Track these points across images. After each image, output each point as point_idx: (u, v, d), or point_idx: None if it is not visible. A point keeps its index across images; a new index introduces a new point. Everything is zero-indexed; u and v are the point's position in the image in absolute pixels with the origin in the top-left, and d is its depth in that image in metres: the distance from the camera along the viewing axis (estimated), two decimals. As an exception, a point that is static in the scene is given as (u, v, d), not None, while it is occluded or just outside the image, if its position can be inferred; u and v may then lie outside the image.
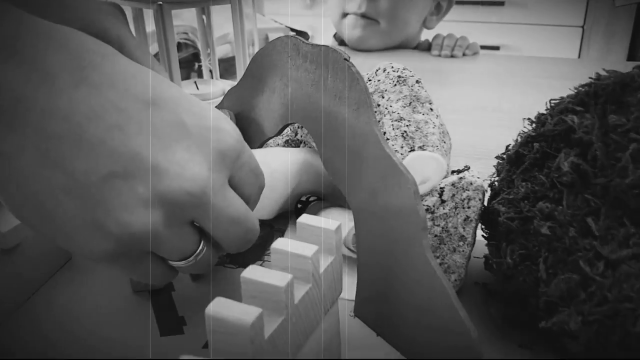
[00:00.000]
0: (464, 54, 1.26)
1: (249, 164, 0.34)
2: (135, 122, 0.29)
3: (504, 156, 0.41)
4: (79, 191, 0.28)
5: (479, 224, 0.42)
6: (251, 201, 0.36)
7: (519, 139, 0.40)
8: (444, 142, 0.42)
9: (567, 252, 0.33)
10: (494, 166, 0.43)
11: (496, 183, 0.42)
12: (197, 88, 0.67)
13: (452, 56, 1.25)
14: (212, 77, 0.75)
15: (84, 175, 0.28)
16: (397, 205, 0.35)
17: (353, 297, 0.40)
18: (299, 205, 0.49)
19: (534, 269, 0.35)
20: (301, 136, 0.51)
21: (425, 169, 0.38)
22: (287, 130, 0.52)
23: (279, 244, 0.31)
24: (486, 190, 0.44)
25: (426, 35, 1.39)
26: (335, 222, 0.33)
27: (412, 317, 0.35)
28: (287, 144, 0.51)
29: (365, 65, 1.12)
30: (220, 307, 0.26)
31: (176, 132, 0.30)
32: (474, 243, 0.42)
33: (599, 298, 0.31)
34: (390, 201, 0.36)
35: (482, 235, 0.41)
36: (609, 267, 0.31)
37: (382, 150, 0.36)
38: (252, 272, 0.28)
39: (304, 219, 0.33)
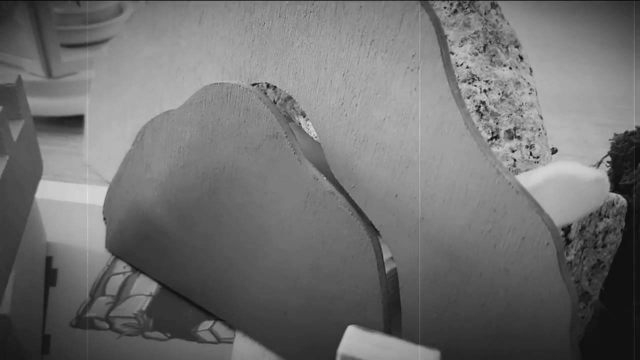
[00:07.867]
0: None
1: None
2: None
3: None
4: None
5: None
6: None
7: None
8: (540, 117, 0.24)
9: None
10: (607, 163, 0.26)
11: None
12: (79, 4, 0.43)
13: None
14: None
15: None
16: (523, 282, 0.17)
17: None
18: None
19: None
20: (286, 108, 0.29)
21: (565, 196, 0.19)
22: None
23: None
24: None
25: None
26: (432, 352, 0.14)
27: None
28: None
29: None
30: None
31: None
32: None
33: None
34: (505, 271, 0.17)
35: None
36: None
37: (481, 159, 0.17)
38: None
39: (347, 348, 0.14)
